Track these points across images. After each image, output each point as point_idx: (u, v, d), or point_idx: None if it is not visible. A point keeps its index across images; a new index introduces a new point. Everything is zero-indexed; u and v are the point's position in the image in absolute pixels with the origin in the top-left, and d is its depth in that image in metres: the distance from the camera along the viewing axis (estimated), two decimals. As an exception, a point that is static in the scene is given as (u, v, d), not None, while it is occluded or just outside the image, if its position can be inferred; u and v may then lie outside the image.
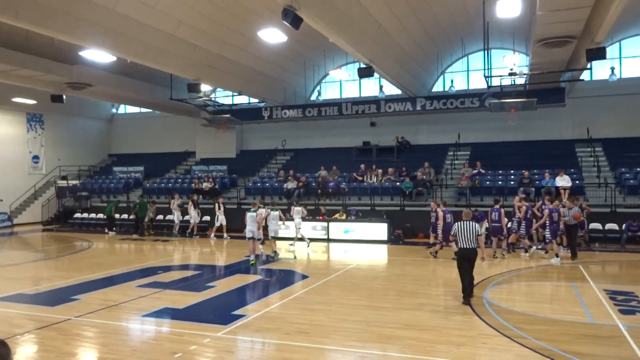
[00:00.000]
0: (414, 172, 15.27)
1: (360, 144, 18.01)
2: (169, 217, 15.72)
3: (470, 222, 6.34)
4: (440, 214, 9.64)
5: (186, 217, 14.61)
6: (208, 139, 20.39)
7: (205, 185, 16.93)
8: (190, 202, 14.00)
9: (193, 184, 17.23)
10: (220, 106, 17.43)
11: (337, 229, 13.32)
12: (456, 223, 6.36)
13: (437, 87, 17.56)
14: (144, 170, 19.44)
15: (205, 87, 16.29)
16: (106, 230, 14.64)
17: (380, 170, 15.58)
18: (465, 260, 6.25)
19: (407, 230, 13.00)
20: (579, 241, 9.89)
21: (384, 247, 11.49)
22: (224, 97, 18.02)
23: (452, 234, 6.27)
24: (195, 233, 13.17)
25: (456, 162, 16.25)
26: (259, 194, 15.84)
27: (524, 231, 9.53)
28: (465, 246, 6.28)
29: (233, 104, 18.42)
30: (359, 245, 12.08)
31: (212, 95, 17.52)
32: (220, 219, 13.45)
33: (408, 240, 12.42)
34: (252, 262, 9.22)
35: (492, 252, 9.26)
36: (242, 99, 18.78)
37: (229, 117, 16.86)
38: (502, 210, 9.40)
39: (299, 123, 18.89)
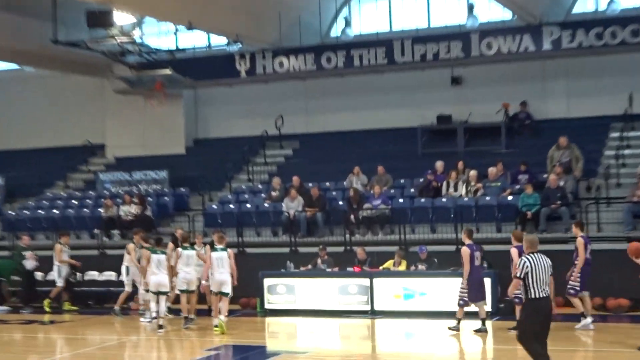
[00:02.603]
0: (541, 175, 15.40)
1: (431, 121, 18.28)
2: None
3: (541, 255, 7.18)
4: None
5: (121, 279, 14.67)
6: (129, 121, 20.69)
7: (126, 210, 17.16)
8: (130, 247, 14.04)
9: (102, 209, 17.58)
10: (152, 53, 17.33)
11: (391, 290, 13.48)
12: (524, 258, 7.11)
13: (582, 6, 17.58)
14: (4, 184, 19.73)
15: (122, 19, 16.14)
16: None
17: (473, 172, 15.52)
18: (546, 320, 7.15)
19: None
20: None
21: (489, 326, 11.57)
22: (160, 36, 18.74)
23: (517, 274, 7.06)
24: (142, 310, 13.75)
25: (627, 152, 16.06)
26: (231, 226, 15.85)
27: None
28: (539, 294, 7.04)
29: (177, 49, 18.50)
30: (434, 322, 12.28)
31: (136, 33, 17.65)
32: (128, 276, 13.87)
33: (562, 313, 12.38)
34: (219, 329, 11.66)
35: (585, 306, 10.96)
36: (195, 39, 18.95)
37: (170, 75, 17.13)
38: None
39: (309, 84, 19.42)
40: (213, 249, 12.04)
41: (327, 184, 17.43)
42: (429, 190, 15.76)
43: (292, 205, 16.02)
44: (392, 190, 16.40)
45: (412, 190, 16.29)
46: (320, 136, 19.62)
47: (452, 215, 14.84)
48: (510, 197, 14.88)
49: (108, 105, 20.85)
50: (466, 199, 15.18)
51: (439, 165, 16.20)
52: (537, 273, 7.09)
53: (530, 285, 7.06)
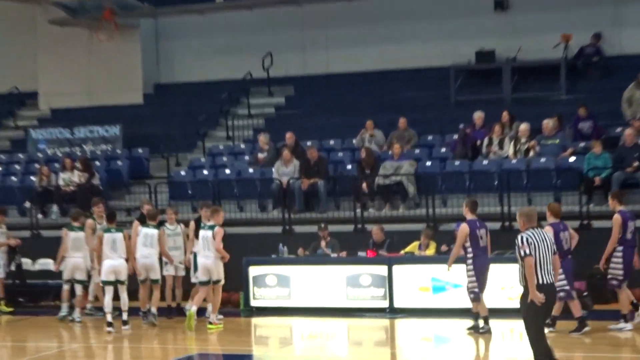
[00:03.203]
0: (613, 130, 15.56)
1: (469, 59, 18.37)
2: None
3: (542, 230, 7.96)
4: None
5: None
6: (69, 60, 20.83)
7: (67, 179, 17.27)
8: (89, 224, 14.03)
9: (35, 177, 17.75)
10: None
11: (415, 281, 13.55)
12: (524, 235, 7.81)
13: None
14: None
15: None
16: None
17: (524, 126, 15.61)
18: (549, 312, 8.18)
19: (598, 283, 12.80)
20: None
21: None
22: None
23: (526, 251, 7.72)
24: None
25: None
26: (205, 198, 15.61)
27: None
28: (545, 280, 7.79)
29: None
30: (471, 323, 12.11)
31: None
32: (71, 265, 13.91)
33: (601, 310, 12.53)
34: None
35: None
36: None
37: (123, 0, 17.38)
38: None
39: (307, 10, 19.49)
40: (198, 226, 12.75)
41: (331, 142, 17.57)
42: (465, 149, 15.82)
43: (286, 171, 16.10)
44: (417, 151, 16.50)
45: (444, 150, 16.41)
46: (321, 79, 19.77)
47: (495, 183, 14.95)
48: (572, 158, 15.03)
49: (41, 41, 20.95)
50: (514, 160, 15.27)
51: (479, 116, 16.26)
52: (540, 253, 7.66)
53: (538, 268, 7.61)
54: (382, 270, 13.48)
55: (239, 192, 16.37)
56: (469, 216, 11.59)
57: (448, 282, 13.04)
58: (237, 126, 18.98)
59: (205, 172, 17.13)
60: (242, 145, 18.30)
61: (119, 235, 12.84)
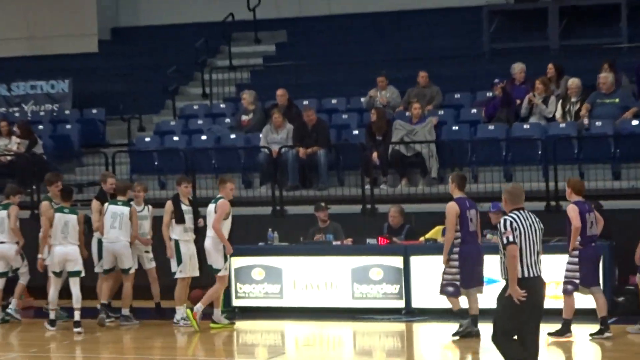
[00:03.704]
0: None
1: None
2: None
3: (529, 213, 8.17)
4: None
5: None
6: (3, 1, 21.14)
7: (1, 145, 17.50)
8: (45, 206, 14.21)
9: None
10: None
11: (438, 276, 13.23)
12: (507, 218, 8.02)
13: None
14: None
15: None
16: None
17: (574, 81, 15.66)
18: (537, 310, 8.15)
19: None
20: None
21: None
22: None
23: (509, 238, 7.94)
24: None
25: None
26: (176, 171, 16.06)
27: None
28: (532, 273, 8.01)
29: None
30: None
31: None
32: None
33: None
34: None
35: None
36: None
37: None
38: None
39: None
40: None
41: (334, 101, 17.72)
42: (501, 110, 15.85)
43: (276, 138, 16.19)
44: (442, 112, 16.58)
45: (474, 111, 16.53)
46: (321, 22, 20.11)
47: (539, 152, 15.03)
48: (635, 122, 15.19)
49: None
50: (563, 125, 15.41)
51: (519, 69, 16.38)
52: (527, 240, 7.90)
53: (524, 258, 7.89)
54: (397, 261, 13.48)
55: (217, 164, 16.46)
56: (457, 194, 11.94)
57: (490, 278, 12.74)
58: (216, 81, 19.03)
59: (175, 138, 17.19)
60: (222, 105, 18.36)
61: (73, 218, 12.97)
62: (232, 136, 16.81)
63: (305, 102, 16.83)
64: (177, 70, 19.09)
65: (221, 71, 19.27)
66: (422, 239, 13.88)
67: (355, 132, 16.50)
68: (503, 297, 8.00)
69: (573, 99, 15.36)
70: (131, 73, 19.69)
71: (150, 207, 13.76)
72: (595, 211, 11.44)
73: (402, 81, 16.96)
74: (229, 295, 13.93)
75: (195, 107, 18.54)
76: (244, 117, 16.94)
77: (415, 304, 13.37)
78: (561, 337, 11.28)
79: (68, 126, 18.31)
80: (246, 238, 14.32)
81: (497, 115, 15.77)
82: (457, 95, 17.00)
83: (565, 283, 11.33)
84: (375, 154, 15.49)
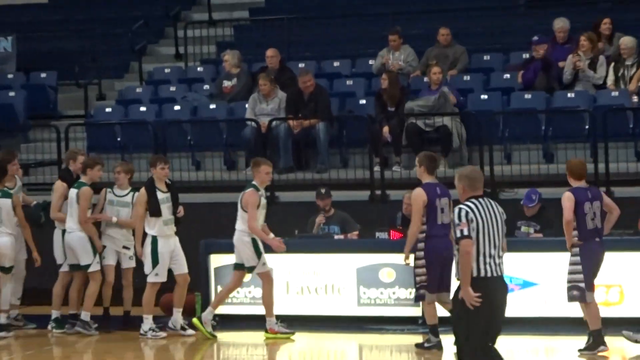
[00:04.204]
0: None
1: None
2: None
3: (490, 201, 8.47)
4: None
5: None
6: None
7: None
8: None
9: None
10: None
11: None
12: (463, 208, 8.24)
13: None
14: None
15: None
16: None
17: (628, 40, 15.83)
18: (495, 317, 8.32)
19: None
20: None
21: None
22: None
23: (464, 232, 8.15)
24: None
25: None
26: (144, 149, 16.45)
27: None
28: (490, 272, 8.22)
29: None
30: (555, 341, 13.00)
31: None
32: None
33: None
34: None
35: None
36: None
37: None
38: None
39: None
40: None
41: (336, 64, 17.84)
42: (541, 76, 15.83)
43: (266, 109, 16.29)
44: (467, 77, 16.70)
45: (507, 76, 16.65)
46: None
47: (586, 127, 15.12)
48: None
49: None
50: (615, 93, 15.55)
51: (561, 26, 16.49)
52: (485, 234, 8.09)
53: (474, 255, 8.07)
54: (412, 260, 13.24)
55: (194, 140, 16.54)
56: (426, 178, 12.11)
57: (514, 277, 12.87)
58: (192, 39, 19.12)
59: (142, 108, 17.28)
60: (200, 69, 18.42)
61: (7, 202, 13.17)
62: (212, 106, 16.87)
63: (301, 65, 16.87)
64: (144, 25, 19.11)
65: (198, 26, 19.30)
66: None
67: (362, 101, 16.49)
68: (457, 302, 8.17)
69: (627, 62, 15.36)
70: (89, 29, 19.64)
71: (136, 193, 13.57)
72: (604, 198, 11.38)
73: (420, 39, 16.97)
74: (207, 300, 13.84)
75: (167, 70, 18.54)
76: (226, 83, 16.98)
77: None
78: (594, 352, 11.22)
79: (11, 93, 18.30)
80: (228, 231, 14.04)
81: (536, 81, 15.74)
82: (486, 57, 17.06)
83: (569, 289, 11.30)
84: (386, 129, 15.49)
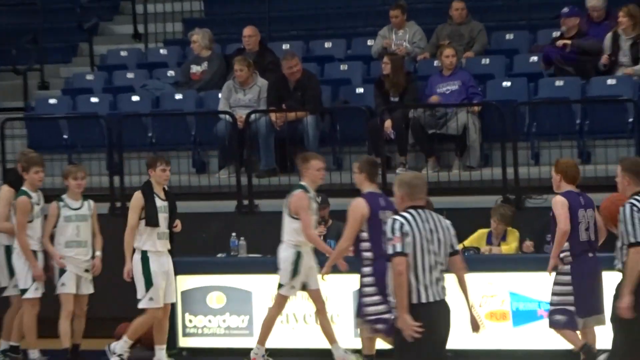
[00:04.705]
0: None
1: None
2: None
3: (433, 213, 8.76)
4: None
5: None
6: None
7: None
8: None
9: None
10: None
11: (481, 301, 14.08)
12: (398, 219, 8.50)
13: None
14: None
15: None
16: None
17: None
18: (436, 348, 8.66)
19: None
20: None
21: None
22: None
23: (392, 249, 8.39)
24: None
25: None
26: (97, 149, 16.61)
27: None
28: (431, 297, 8.44)
29: None
30: None
31: None
32: None
33: None
34: None
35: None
36: None
37: None
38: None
39: None
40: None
41: (327, 45, 17.98)
42: (569, 59, 16.03)
43: (243, 100, 16.56)
44: (486, 60, 16.92)
45: (534, 59, 16.96)
46: None
47: (630, 120, 15.17)
48: None
49: None
50: None
51: (592, 4, 16.91)
52: (423, 250, 8.32)
53: (411, 277, 8.25)
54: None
55: (156, 137, 16.67)
56: (367, 187, 12.21)
57: (542, 301, 13.21)
58: (153, 15, 19.38)
59: (94, 99, 17.43)
60: (163, 51, 18.64)
61: None
62: (178, 96, 17.01)
63: (286, 46, 17.06)
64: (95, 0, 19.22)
65: (161, 0, 19.48)
66: (459, 246, 13.85)
67: (360, 90, 16.61)
68: (396, 333, 8.37)
69: (676, 42, 15.51)
70: (28, 2, 19.80)
71: (91, 202, 13.58)
72: (595, 208, 11.42)
73: (429, 15, 17.21)
74: (174, 331, 13.97)
75: (123, 53, 18.75)
76: (195, 69, 17.14)
77: (450, 342, 13.36)
78: None
79: None
80: (198, 248, 14.47)
81: (561, 64, 15.83)
82: (509, 36, 17.23)
83: (552, 312, 11.44)
84: (388, 123, 15.57)
